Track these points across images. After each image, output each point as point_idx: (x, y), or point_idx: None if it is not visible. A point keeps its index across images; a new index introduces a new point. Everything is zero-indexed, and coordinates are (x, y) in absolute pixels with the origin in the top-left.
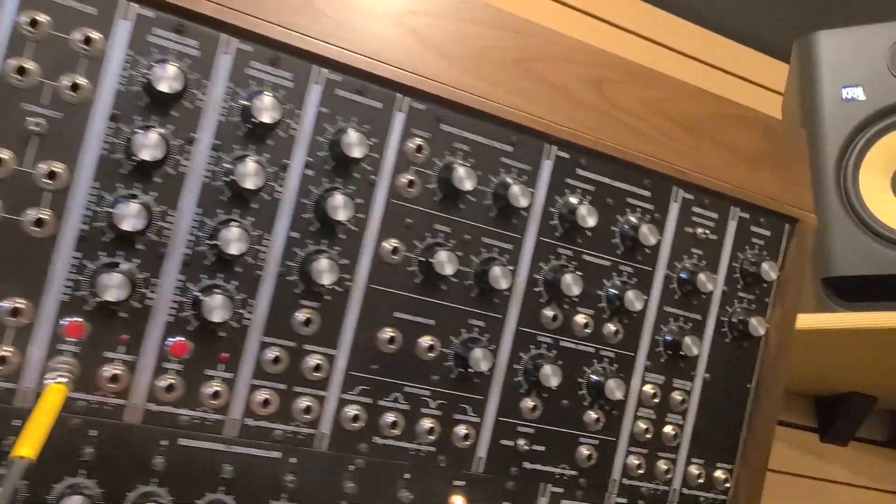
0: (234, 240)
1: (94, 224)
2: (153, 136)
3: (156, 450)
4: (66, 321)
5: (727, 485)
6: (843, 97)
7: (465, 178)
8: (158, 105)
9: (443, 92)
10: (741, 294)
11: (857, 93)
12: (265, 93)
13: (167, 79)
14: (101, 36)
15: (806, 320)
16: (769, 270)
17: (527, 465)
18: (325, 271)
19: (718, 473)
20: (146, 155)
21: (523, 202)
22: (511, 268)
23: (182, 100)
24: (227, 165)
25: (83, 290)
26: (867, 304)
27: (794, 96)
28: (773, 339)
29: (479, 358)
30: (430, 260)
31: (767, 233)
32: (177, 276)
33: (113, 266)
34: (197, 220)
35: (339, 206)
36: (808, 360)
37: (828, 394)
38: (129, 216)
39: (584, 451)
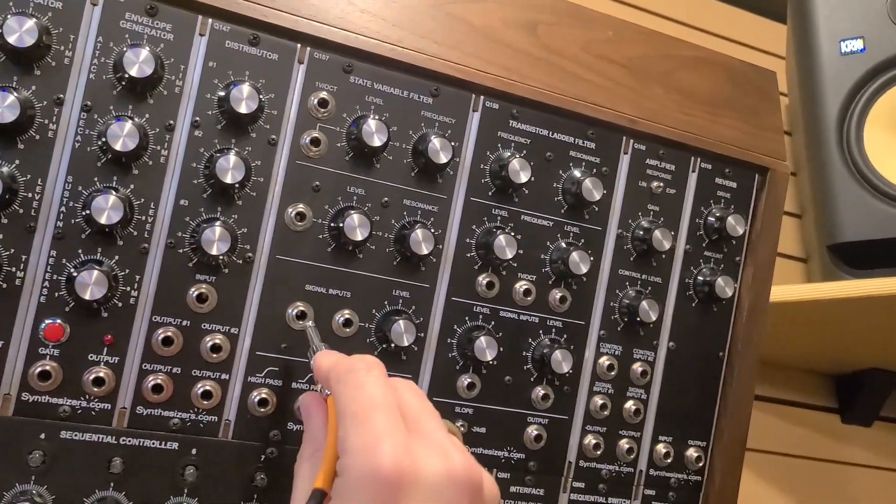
0: (108, 208)
1: None
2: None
3: (32, 444)
4: None
5: (700, 464)
6: (842, 51)
7: (374, 133)
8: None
9: (348, 40)
10: (707, 253)
11: (857, 45)
12: (141, 46)
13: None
14: None
15: (813, 290)
16: (736, 225)
17: (467, 448)
18: (215, 241)
19: (690, 452)
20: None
21: (443, 157)
22: (435, 231)
23: (47, 57)
24: (101, 128)
25: None
26: (878, 270)
27: (793, 56)
28: (746, 301)
29: (402, 331)
30: (341, 225)
31: (734, 184)
32: (48, 251)
33: None
34: (69, 190)
35: (228, 168)
36: (821, 334)
37: (847, 372)
38: None
39: (533, 431)
